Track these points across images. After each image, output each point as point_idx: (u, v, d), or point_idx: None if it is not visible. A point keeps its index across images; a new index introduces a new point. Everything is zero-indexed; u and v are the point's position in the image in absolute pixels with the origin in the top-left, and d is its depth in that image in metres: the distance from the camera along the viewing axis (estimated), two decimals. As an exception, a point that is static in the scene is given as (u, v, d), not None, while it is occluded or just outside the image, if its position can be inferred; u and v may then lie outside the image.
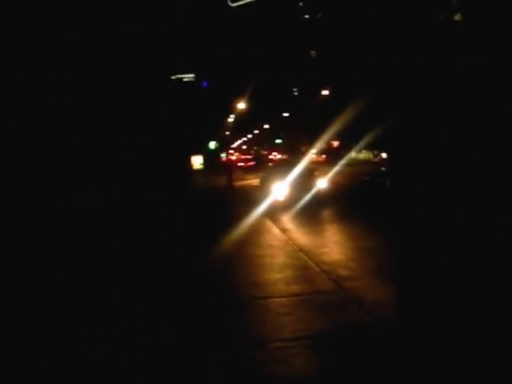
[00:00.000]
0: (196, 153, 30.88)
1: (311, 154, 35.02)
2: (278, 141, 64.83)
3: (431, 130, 3.63)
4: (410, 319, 4.01)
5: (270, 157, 47.88)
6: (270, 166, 22.13)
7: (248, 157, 47.22)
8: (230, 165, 28.41)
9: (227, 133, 38.11)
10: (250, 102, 37.17)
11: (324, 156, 39.87)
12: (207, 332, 4.89)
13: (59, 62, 10.22)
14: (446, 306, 3.72)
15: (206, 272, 7.30)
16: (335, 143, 49.60)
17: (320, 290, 6.15)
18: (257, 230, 10.99)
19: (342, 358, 4.13)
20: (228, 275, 7.11)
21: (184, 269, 7.52)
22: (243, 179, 27.23)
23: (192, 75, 26.64)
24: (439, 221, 3.61)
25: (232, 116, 40.59)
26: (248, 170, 35.09)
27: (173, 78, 23.59)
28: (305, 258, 8.00)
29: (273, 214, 13.21)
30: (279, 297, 5.94)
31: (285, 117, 57.83)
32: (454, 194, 3.58)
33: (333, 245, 9.56)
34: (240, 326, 5.04)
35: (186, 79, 26.05)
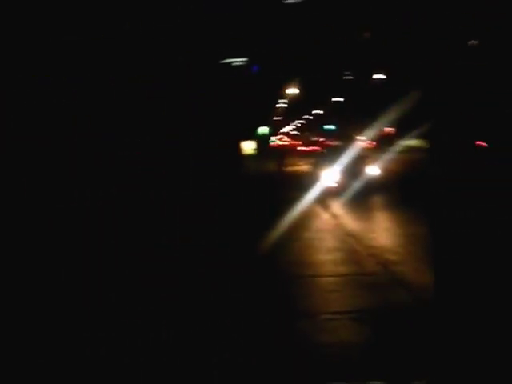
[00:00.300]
0: (247, 138, 31.30)
1: (362, 141, 34.60)
2: (329, 126, 64.14)
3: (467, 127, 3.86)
4: (447, 302, 4.31)
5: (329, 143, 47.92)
6: (322, 153, 22.27)
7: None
8: (282, 150, 28.65)
9: (278, 118, 38.35)
10: (301, 87, 37.14)
11: (375, 142, 39.18)
12: (256, 309, 5.36)
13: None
14: (481, 292, 3.98)
15: (258, 253, 7.74)
16: (388, 129, 48.60)
17: (367, 272, 6.50)
18: (307, 214, 11.36)
19: (385, 331, 4.50)
20: (278, 256, 7.57)
21: (233, 252, 7.88)
22: (294, 165, 27.52)
23: (243, 59, 26.93)
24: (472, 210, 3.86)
25: (283, 101, 40.73)
26: (305, 156, 35.09)
27: (223, 62, 23.95)
28: (353, 242, 8.33)
29: (323, 199, 13.51)
30: (327, 276, 6.35)
31: (336, 102, 57.12)
32: (485, 187, 3.80)
33: (382, 231, 9.79)
34: (290, 300, 5.50)
35: (236, 63, 26.37)
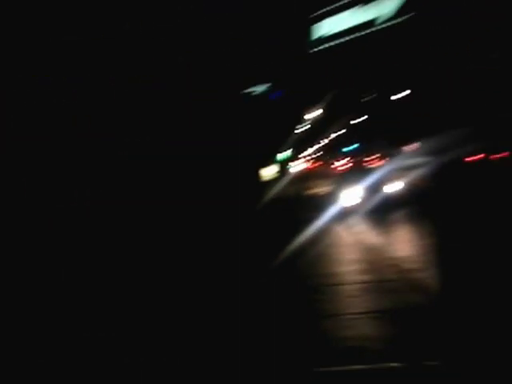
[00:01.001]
0: (268, 163, 31.98)
1: (383, 157, 34.87)
2: (349, 148, 64.39)
3: None
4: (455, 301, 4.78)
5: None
6: (342, 173, 22.68)
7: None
8: (303, 173, 29.15)
9: (299, 141, 38.94)
10: (323, 109, 37.70)
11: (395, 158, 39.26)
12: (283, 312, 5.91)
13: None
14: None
15: (283, 266, 8.24)
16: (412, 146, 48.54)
17: (387, 279, 7.00)
18: (328, 232, 11.85)
19: (404, 328, 5.00)
20: (304, 268, 8.11)
21: (263, 266, 8.34)
22: (315, 187, 27.94)
23: (263, 86, 27.84)
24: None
25: (305, 124, 41.40)
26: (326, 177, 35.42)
27: (244, 91, 24.90)
28: (373, 254, 8.82)
29: (345, 218, 13.88)
30: (350, 283, 6.90)
31: (357, 122, 57.63)
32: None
33: (400, 243, 10.24)
34: (314, 304, 6.05)
35: (256, 92, 27.32)
